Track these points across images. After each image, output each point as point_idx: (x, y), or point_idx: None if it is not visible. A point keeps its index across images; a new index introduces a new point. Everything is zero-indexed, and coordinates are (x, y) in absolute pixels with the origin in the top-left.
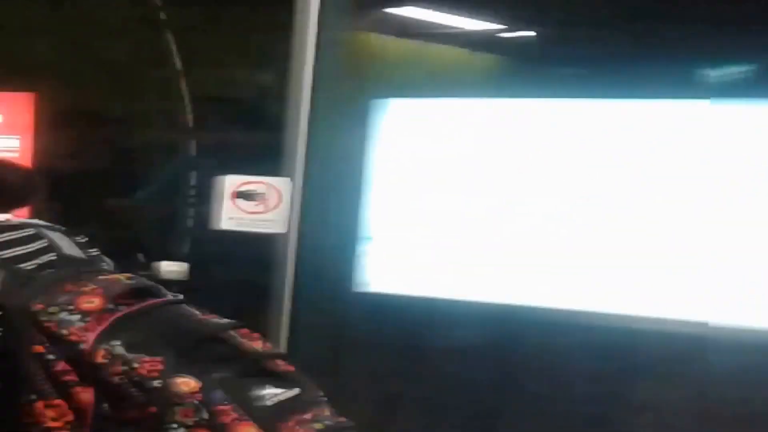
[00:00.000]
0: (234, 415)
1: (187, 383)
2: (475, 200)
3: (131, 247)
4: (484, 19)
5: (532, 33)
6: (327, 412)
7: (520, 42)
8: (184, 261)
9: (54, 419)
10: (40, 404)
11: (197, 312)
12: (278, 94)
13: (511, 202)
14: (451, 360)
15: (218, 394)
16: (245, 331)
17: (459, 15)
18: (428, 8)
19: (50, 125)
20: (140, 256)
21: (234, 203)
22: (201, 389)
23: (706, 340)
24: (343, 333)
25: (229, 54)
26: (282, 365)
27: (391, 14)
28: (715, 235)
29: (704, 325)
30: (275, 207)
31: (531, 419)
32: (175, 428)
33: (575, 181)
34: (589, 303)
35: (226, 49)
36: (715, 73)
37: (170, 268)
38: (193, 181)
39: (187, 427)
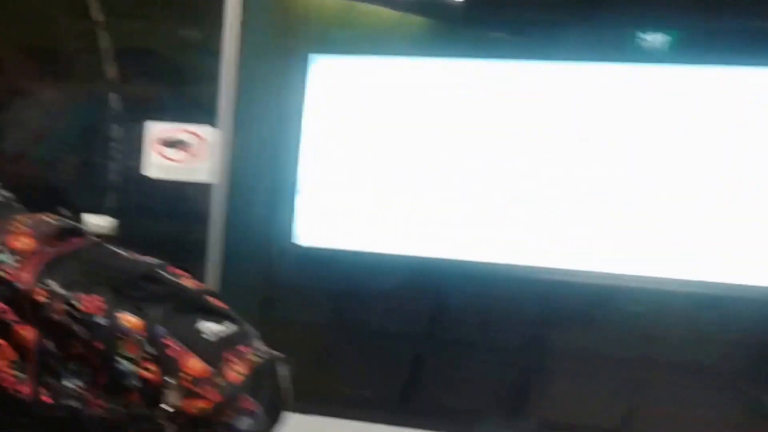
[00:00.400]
0: (178, 348)
1: (129, 319)
2: (403, 157)
3: (49, 200)
4: None
5: None
6: (261, 346)
7: (449, 3)
8: (111, 215)
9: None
10: None
11: (124, 251)
12: (207, 47)
13: (438, 158)
14: (379, 312)
15: (161, 329)
16: (175, 269)
17: None
18: None
19: None
20: (63, 210)
21: (160, 151)
22: (144, 325)
23: (626, 291)
24: (273, 286)
25: (155, 6)
26: (216, 301)
27: None
28: (633, 189)
29: (623, 276)
30: (202, 156)
31: (455, 365)
32: (121, 362)
33: (501, 139)
34: (513, 256)
35: (150, 2)
36: (642, 37)
37: (96, 222)
38: (116, 134)
39: (133, 361)
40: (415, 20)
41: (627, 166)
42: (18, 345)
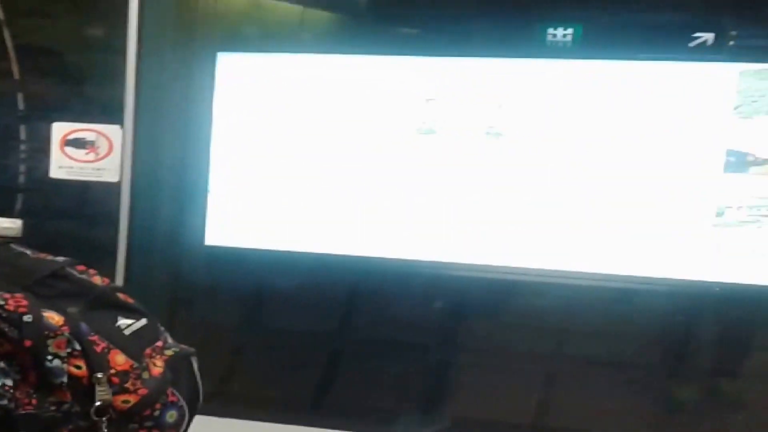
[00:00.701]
0: (103, 344)
1: (52, 317)
2: (312, 154)
3: None
4: None
5: None
6: (171, 339)
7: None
8: (19, 217)
9: None
10: None
11: (29, 251)
12: (108, 45)
13: (347, 155)
14: (290, 311)
15: (85, 326)
16: (82, 266)
17: None
18: None
19: None
20: None
21: (64, 151)
22: (66, 322)
23: (535, 286)
24: (182, 285)
25: (59, 4)
26: (125, 297)
27: None
28: (540, 183)
29: (533, 271)
30: (106, 155)
31: (367, 363)
32: (51, 360)
33: (409, 135)
34: (422, 253)
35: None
36: (549, 31)
37: (2, 224)
38: (22, 135)
39: (61, 358)
40: (322, 16)
41: (535, 160)
42: None
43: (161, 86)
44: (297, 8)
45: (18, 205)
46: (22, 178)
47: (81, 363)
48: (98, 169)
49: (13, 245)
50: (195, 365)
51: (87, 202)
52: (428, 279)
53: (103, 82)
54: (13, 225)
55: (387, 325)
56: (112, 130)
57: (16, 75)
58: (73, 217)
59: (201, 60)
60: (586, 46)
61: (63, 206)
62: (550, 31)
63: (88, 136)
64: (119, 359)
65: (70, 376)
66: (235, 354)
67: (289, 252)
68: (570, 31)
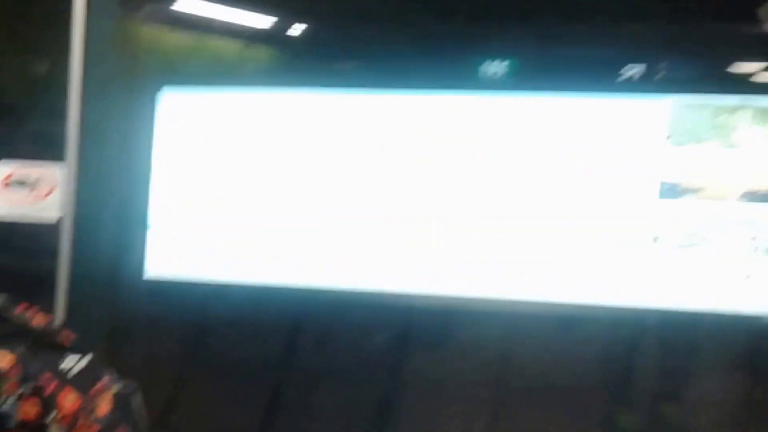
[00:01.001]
0: (55, 383)
1: (3, 358)
2: (251, 188)
3: None
4: (260, 12)
5: (306, 26)
6: (114, 376)
7: (294, 36)
8: None
9: None
10: None
11: None
12: (51, 83)
13: (286, 187)
14: (232, 342)
15: (34, 365)
16: (23, 305)
17: (235, 8)
18: (204, 0)
19: None
20: None
21: (6, 191)
22: (16, 362)
23: (479, 315)
24: (123, 319)
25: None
26: (67, 335)
27: (165, 6)
28: (480, 213)
29: (476, 300)
30: (48, 193)
31: (310, 394)
32: (5, 401)
33: (348, 167)
34: (365, 282)
35: None
36: (483, 66)
37: None
38: None
39: (15, 398)
40: (261, 52)
41: (471, 191)
42: None
43: (104, 122)
44: (237, 45)
45: None
46: None
47: (33, 404)
48: (39, 207)
49: None
50: (139, 400)
51: (29, 238)
52: (370, 308)
53: (44, 119)
54: None
55: (331, 355)
56: (54, 168)
57: None
58: (14, 253)
59: (142, 96)
60: (520, 80)
61: (3, 243)
62: (485, 64)
63: (30, 173)
64: (69, 399)
65: (21, 419)
66: (177, 386)
67: (227, 284)
68: (504, 64)
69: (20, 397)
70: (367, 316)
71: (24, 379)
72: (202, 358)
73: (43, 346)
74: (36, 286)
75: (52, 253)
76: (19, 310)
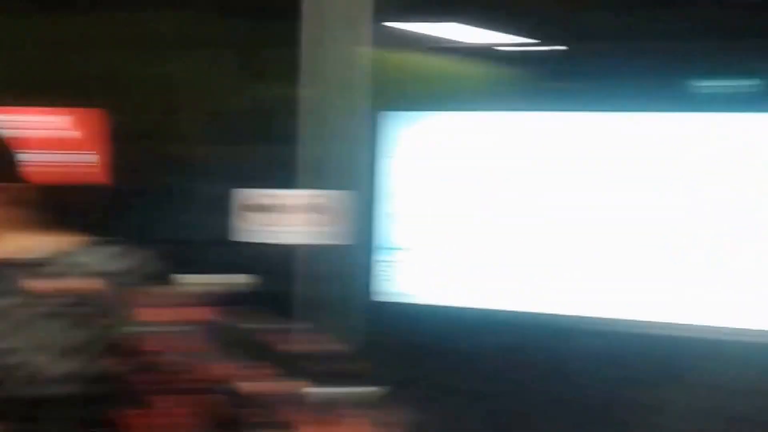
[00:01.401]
0: (338, 411)
1: (283, 385)
2: (493, 211)
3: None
4: (491, 30)
5: (539, 47)
6: (391, 408)
7: (527, 55)
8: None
9: (153, 427)
10: (134, 412)
11: (256, 317)
12: (289, 107)
13: (529, 212)
14: (476, 367)
15: (313, 392)
16: (308, 334)
17: (464, 28)
18: (432, 21)
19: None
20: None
21: (249, 216)
22: (295, 390)
23: (718, 344)
24: (367, 343)
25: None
26: (349, 365)
27: (397, 28)
28: (719, 240)
29: (715, 329)
30: (292, 218)
31: (549, 421)
32: (270, 428)
33: (591, 192)
34: (614, 311)
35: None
36: (716, 86)
37: (191, 280)
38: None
39: (287, 425)
40: (495, 73)
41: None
42: (173, 414)
43: (341, 147)
44: (462, 66)
45: (201, 265)
46: (200, 237)
47: None
48: (283, 232)
49: (232, 312)
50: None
51: (274, 261)
52: (621, 337)
53: (280, 145)
54: (244, 280)
55: (568, 383)
56: (297, 194)
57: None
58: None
59: (380, 118)
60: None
61: (251, 264)
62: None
63: (270, 200)
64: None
65: None
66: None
67: (461, 308)
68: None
69: (298, 422)
70: (605, 343)
71: (303, 406)
72: (433, 381)
73: (325, 374)
74: (278, 307)
75: (290, 276)
76: (303, 339)
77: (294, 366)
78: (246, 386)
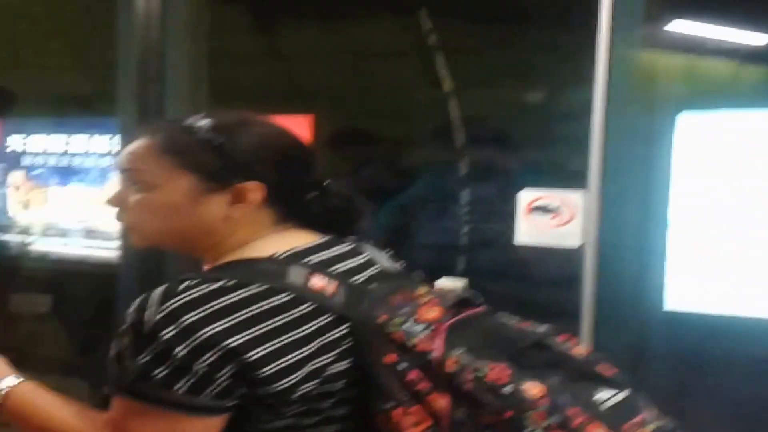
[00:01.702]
0: (583, 417)
1: (534, 387)
2: None
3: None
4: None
5: None
6: (654, 413)
7: None
8: (463, 277)
9: (414, 425)
10: (399, 411)
11: (513, 319)
12: (571, 112)
13: None
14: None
15: (564, 397)
16: (564, 336)
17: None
18: (703, 22)
19: (325, 146)
20: (419, 273)
21: (530, 218)
22: (547, 393)
23: None
24: (643, 351)
25: (501, 74)
26: (608, 368)
27: (670, 30)
28: None
29: None
30: (569, 221)
31: None
32: (533, 431)
33: None
34: None
35: (496, 70)
36: None
37: (448, 284)
38: (466, 198)
39: (542, 429)
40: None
41: None
42: (433, 413)
43: (622, 149)
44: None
45: (464, 266)
46: (464, 239)
47: None
48: (561, 235)
49: (497, 313)
50: None
51: (538, 265)
52: None
53: (563, 147)
54: (458, 284)
55: None
56: (576, 196)
57: (458, 144)
58: (520, 280)
59: (662, 121)
60: None
61: (521, 269)
62: None
63: (553, 202)
64: None
65: None
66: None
67: (753, 319)
68: None
69: (547, 428)
70: None
71: (552, 410)
72: (716, 396)
73: (580, 379)
74: (555, 315)
75: (568, 283)
76: (560, 340)
77: (586, 373)
78: (527, 387)
